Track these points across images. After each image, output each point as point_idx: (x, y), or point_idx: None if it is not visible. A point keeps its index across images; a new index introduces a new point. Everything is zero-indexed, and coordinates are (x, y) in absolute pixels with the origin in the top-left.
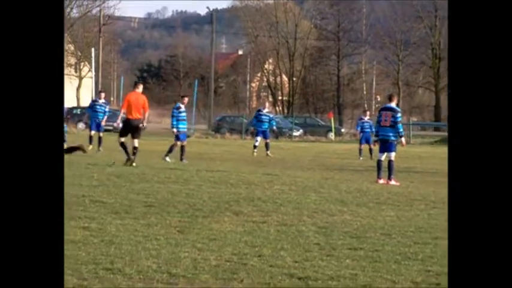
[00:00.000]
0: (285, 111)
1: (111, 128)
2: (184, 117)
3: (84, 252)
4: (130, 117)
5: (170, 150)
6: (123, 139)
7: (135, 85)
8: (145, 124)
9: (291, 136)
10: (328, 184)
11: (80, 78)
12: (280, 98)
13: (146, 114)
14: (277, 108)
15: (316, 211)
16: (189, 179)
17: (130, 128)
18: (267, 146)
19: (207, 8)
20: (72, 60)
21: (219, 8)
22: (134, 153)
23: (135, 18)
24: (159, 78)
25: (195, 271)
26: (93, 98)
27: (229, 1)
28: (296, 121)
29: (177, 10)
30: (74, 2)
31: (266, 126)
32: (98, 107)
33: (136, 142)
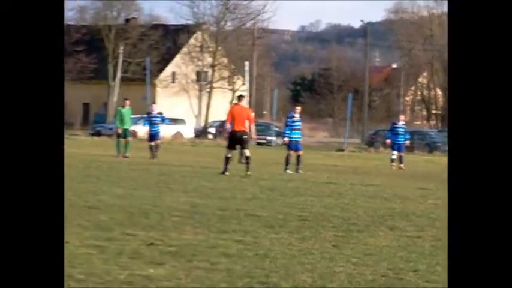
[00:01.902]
0: (439, 125)
1: (264, 141)
2: (299, 127)
3: (239, 266)
4: (235, 129)
5: (287, 162)
6: (230, 154)
7: (239, 98)
8: (253, 137)
9: (445, 151)
10: None
11: (233, 91)
12: (434, 111)
13: (252, 127)
14: (431, 122)
15: None
16: (343, 193)
17: (236, 140)
18: (400, 159)
19: (361, 21)
20: (226, 74)
21: (372, 21)
22: (248, 163)
23: (288, 31)
24: (312, 91)
25: (350, 286)
26: (147, 111)
27: (383, 14)
28: None
29: (330, 23)
30: (228, 15)
31: (402, 139)
32: (153, 118)
33: (247, 152)
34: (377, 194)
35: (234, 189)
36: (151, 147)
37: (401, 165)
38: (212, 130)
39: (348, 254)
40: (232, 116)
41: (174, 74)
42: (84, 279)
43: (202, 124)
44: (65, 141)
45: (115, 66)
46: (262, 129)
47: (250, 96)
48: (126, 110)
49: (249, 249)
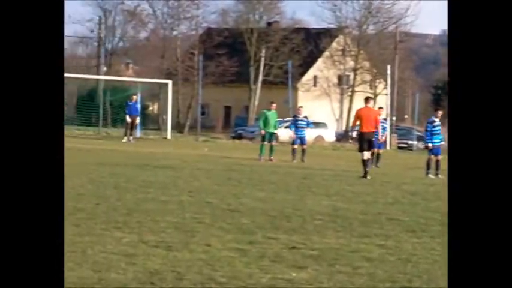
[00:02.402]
0: None
1: (405, 145)
2: (439, 131)
3: (380, 270)
4: (363, 130)
5: (428, 166)
6: (365, 156)
7: (367, 100)
8: (380, 138)
9: None
10: None
11: (375, 95)
12: None
13: (379, 128)
14: None
15: None
16: None
17: (365, 141)
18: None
19: None
20: (367, 77)
21: None
22: (366, 165)
23: (430, 35)
24: None
25: None
26: (294, 114)
27: None
28: None
29: None
30: (370, 18)
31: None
32: (299, 122)
33: (367, 155)
34: None
35: (376, 193)
36: (294, 151)
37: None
38: (354, 134)
39: None
40: (359, 118)
41: (315, 77)
42: (226, 282)
43: (344, 128)
44: (207, 144)
45: (257, 69)
46: (404, 134)
47: (392, 100)
48: (272, 114)
49: (391, 253)
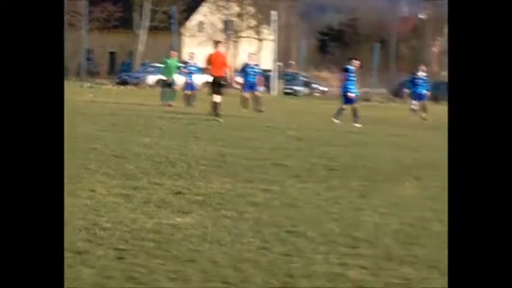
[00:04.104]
0: None
1: (291, 91)
2: (354, 80)
3: (266, 215)
4: (213, 74)
5: (339, 113)
6: (215, 99)
7: (216, 44)
8: (231, 82)
9: None
10: None
11: (260, 41)
12: None
13: (228, 71)
14: None
15: None
16: (370, 143)
17: (216, 85)
18: (424, 108)
19: None
20: (253, 23)
21: None
22: (215, 108)
23: None
24: (339, 41)
25: (377, 235)
26: (184, 60)
27: None
28: None
29: None
30: None
31: (422, 89)
32: (190, 68)
33: (219, 98)
34: (403, 144)
35: (261, 139)
36: (187, 97)
37: (424, 115)
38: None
39: (374, 204)
40: (209, 62)
41: (201, 23)
42: (110, 228)
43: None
44: (92, 90)
45: (141, 14)
46: (290, 79)
47: (278, 46)
48: (172, 61)
49: (276, 198)
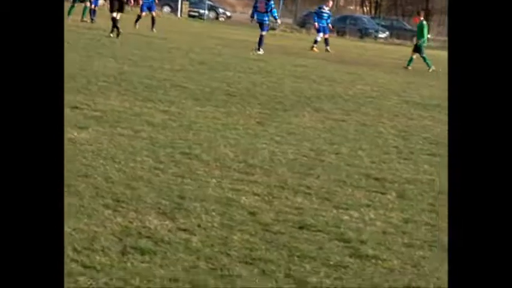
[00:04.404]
0: (372, 11)
1: (196, 14)
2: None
3: (162, 135)
4: None
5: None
6: (114, 14)
7: None
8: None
9: (376, 37)
10: (410, 88)
11: None
12: None
13: None
14: (364, 8)
15: (396, 114)
16: (272, 71)
17: (115, 2)
18: (326, 41)
19: None
20: None
21: None
22: (116, 27)
23: None
24: None
25: (272, 163)
26: None
27: None
28: (382, 23)
29: None
30: None
31: (324, 23)
32: None
33: (118, 15)
34: (305, 75)
35: (163, 60)
36: (91, 11)
37: (328, 48)
38: None
39: (271, 132)
40: None
41: None
42: None
43: None
44: None
45: None
46: (195, 2)
47: None
48: None
49: (173, 119)
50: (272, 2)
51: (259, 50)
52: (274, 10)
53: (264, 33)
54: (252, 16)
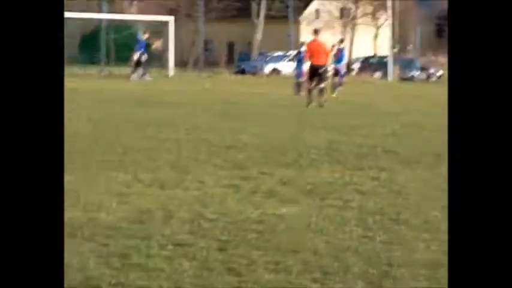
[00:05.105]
0: None
1: (407, 76)
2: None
3: (371, 203)
4: (313, 63)
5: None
6: (311, 85)
7: (315, 33)
8: (329, 69)
9: None
10: None
11: (377, 27)
12: None
13: (328, 59)
14: None
15: None
16: None
17: (315, 74)
18: None
19: None
20: (369, 9)
21: None
22: (322, 95)
23: None
24: None
25: None
26: (298, 49)
27: None
28: None
29: None
30: None
31: None
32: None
33: (323, 84)
34: None
35: (374, 126)
36: (297, 84)
37: None
38: (357, 65)
39: None
40: (310, 51)
41: (317, 10)
42: (215, 219)
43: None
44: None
45: (259, 3)
46: (406, 65)
47: (393, 31)
48: None
49: (383, 186)
50: None
51: None
52: None
53: None
54: None
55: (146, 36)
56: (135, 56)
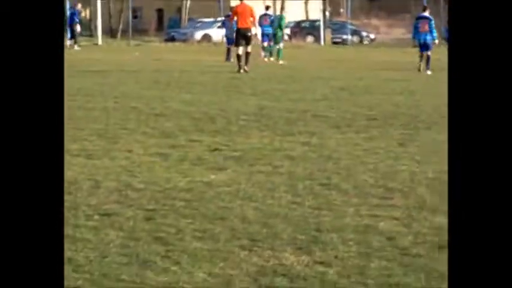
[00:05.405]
0: None
1: (339, 40)
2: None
3: (301, 168)
4: (239, 26)
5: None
6: (239, 51)
7: None
8: (254, 32)
9: None
10: None
11: None
12: None
13: (256, 24)
14: None
15: None
16: (415, 90)
17: (241, 37)
18: None
19: None
20: None
21: None
22: (247, 59)
23: None
24: None
25: (412, 184)
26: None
27: None
28: None
29: None
30: None
31: None
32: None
33: (249, 48)
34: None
35: (304, 91)
36: (228, 50)
37: None
38: (287, 31)
39: (412, 152)
40: (236, 14)
41: None
42: (143, 188)
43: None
44: (138, 48)
45: None
46: (338, 28)
47: None
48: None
49: (314, 150)
50: (433, 22)
51: (428, 70)
52: (434, 30)
53: (429, 53)
54: (414, 37)
55: (79, 6)
56: (78, 27)
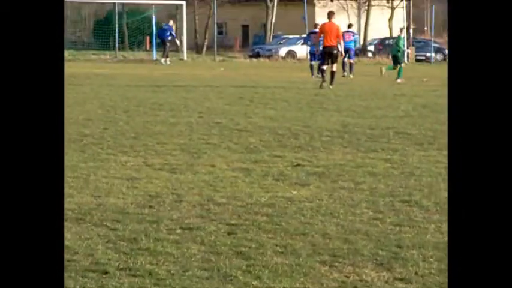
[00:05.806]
0: None
1: (423, 57)
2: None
3: (382, 185)
4: (325, 45)
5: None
6: (324, 66)
7: (329, 15)
8: (341, 50)
9: None
10: None
11: (392, 8)
12: None
13: (341, 42)
14: None
15: None
16: None
17: (327, 55)
18: None
19: None
20: None
21: None
22: (332, 77)
23: None
24: None
25: None
26: (309, 31)
27: None
28: None
29: None
30: None
31: None
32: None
33: (334, 67)
34: None
35: (387, 108)
36: (311, 67)
37: None
38: (371, 48)
39: None
40: (322, 32)
41: None
42: (226, 203)
43: (361, 42)
44: (223, 63)
45: None
46: (422, 46)
47: (408, 13)
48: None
49: (395, 167)
50: None
51: None
52: None
53: None
54: None
55: (171, 23)
56: (168, 43)
